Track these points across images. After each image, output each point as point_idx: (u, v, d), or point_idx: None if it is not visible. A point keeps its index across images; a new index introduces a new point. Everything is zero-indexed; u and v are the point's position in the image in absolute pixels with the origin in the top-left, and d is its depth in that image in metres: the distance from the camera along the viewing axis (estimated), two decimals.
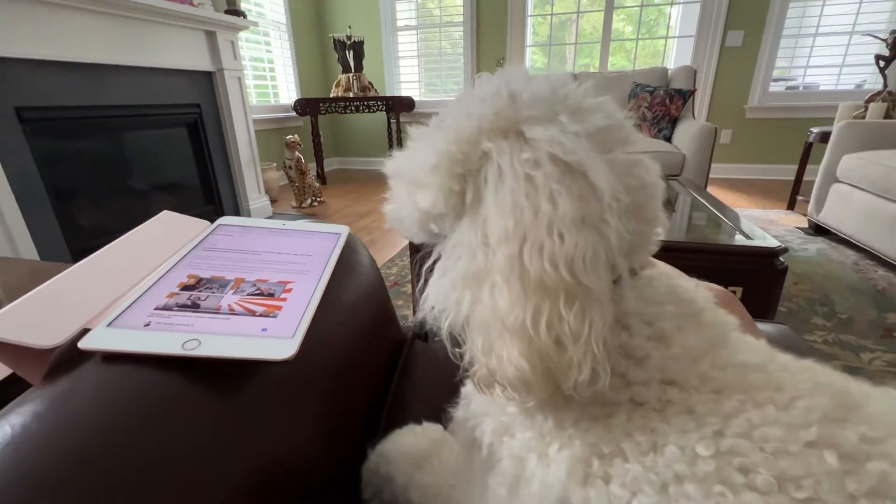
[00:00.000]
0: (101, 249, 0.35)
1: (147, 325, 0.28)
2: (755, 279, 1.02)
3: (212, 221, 0.43)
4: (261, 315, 0.30)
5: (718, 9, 3.16)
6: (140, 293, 0.31)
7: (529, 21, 3.66)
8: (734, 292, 1.04)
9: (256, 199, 2.68)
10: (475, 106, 0.26)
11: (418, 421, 0.42)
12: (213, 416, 0.27)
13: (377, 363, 0.45)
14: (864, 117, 2.19)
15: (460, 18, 3.76)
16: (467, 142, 0.26)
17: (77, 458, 0.22)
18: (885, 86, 2.27)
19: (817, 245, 2.01)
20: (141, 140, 2.08)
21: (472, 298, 0.25)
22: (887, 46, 2.27)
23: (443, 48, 3.99)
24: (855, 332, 1.30)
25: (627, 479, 0.21)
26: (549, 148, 0.23)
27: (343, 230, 0.43)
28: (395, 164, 0.30)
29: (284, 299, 0.32)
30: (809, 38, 3.10)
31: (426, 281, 0.30)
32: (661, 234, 0.27)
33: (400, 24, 3.99)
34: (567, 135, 0.23)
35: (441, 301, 0.27)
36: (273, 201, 3.01)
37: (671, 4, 3.47)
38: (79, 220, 1.81)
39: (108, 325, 0.28)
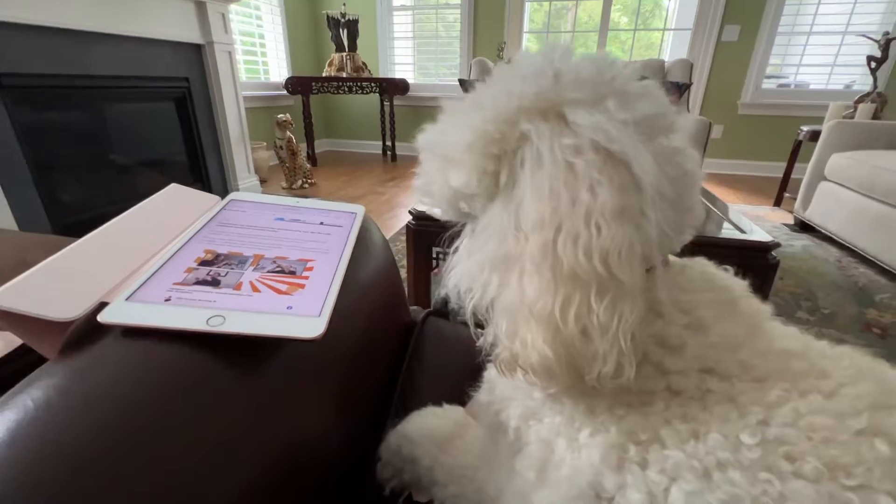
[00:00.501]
0: (111, 221, 0.34)
1: (167, 300, 0.27)
2: (748, 272, 1.04)
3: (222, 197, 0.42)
4: (284, 293, 0.30)
5: (717, 2, 3.16)
6: (156, 267, 0.30)
7: (527, 7, 3.61)
8: None
9: (246, 178, 2.63)
10: (516, 83, 0.25)
11: (430, 401, 0.41)
12: (235, 400, 0.26)
13: (389, 344, 0.45)
14: (853, 117, 2.23)
15: (458, 0, 3.69)
16: (506, 121, 0.25)
17: (102, 435, 0.21)
18: (875, 87, 2.31)
19: (802, 241, 2.06)
20: (126, 113, 2.00)
21: (500, 282, 0.25)
22: (879, 48, 2.30)
23: (438, 31, 3.92)
24: (837, 327, 1.34)
25: (667, 465, 0.21)
26: (592, 135, 0.23)
27: (359, 210, 0.42)
28: (427, 139, 0.29)
29: (306, 277, 0.31)
30: (803, 35, 3.13)
31: (450, 260, 0.30)
32: (698, 222, 0.27)
33: (396, 3, 3.90)
34: (613, 122, 0.23)
35: (467, 281, 0.27)
36: (262, 181, 2.95)
37: None
38: (61, 195, 1.74)
39: (126, 299, 0.27)
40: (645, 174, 0.22)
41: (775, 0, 3.04)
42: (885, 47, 2.29)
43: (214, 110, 2.40)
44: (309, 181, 2.94)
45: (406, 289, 1.32)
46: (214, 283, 0.29)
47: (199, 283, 0.29)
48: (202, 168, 2.38)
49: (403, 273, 1.65)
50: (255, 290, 0.29)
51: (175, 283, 0.29)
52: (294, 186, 2.89)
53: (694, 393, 0.22)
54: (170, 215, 0.37)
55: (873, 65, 2.34)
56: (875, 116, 2.19)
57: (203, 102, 2.33)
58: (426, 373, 0.45)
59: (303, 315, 0.28)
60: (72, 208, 1.78)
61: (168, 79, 2.13)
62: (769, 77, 3.31)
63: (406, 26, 3.98)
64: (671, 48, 3.51)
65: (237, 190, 2.52)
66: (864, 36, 2.48)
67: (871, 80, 2.36)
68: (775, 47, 3.20)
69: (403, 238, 1.25)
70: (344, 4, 3.59)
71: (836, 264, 1.81)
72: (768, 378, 0.22)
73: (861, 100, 2.26)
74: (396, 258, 1.81)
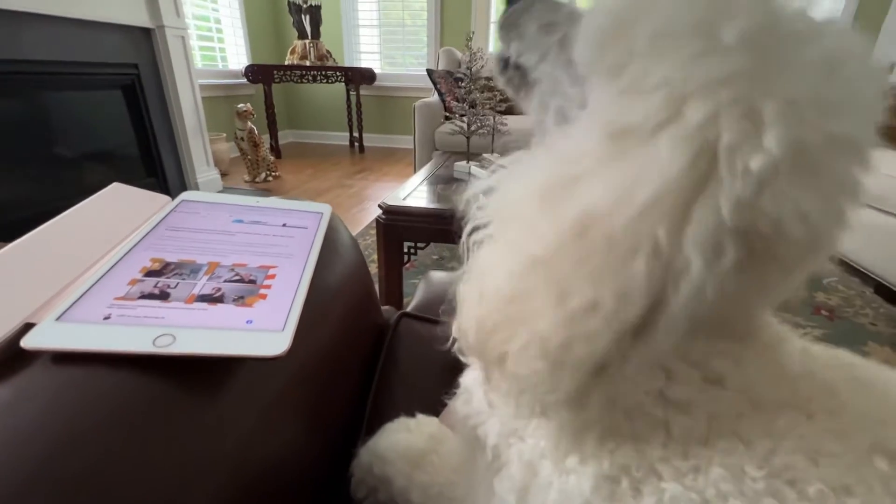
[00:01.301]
0: (41, 227, 0.30)
1: (107, 318, 0.24)
2: None
3: (172, 196, 0.38)
4: (243, 305, 0.27)
5: None
6: (94, 280, 0.26)
7: None
8: None
9: (205, 171, 2.50)
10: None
11: (406, 409, 0.40)
12: (191, 424, 0.23)
13: (361, 350, 0.43)
14: None
15: None
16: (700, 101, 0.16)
17: (33, 481, 0.18)
18: None
19: None
20: (69, 102, 1.85)
21: (492, 235, 0.23)
22: None
23: (404, 19, 3.84)
24: (791, 310, 1.41)
25: (664, 497, 0.19)
26: (689, 238, 0.16)
27: (325, 209, 0.40)
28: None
29: (269, 286, 0.29)
30: None
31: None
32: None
33: None
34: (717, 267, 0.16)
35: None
36: (223, 175, 2.82)
37: None
38: None
39: (57, 319, 0.23)
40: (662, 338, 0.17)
41: None
42: None
43: (168, 99, 2.26)
44: (273, 174, 2.84)
45: (377, 285, 1.30)
46: (163, 296, 0.26)
47: (144, 296, 0.26)
48: (157, 161, 2.24)
49: (374, 269, 1.61)
50: (211, 302, 0.27)
51: (116, 298, 0.26)
52: (257, 180, 2.78)
53: (696, 436, 0.20)
54: (112, 219, 0.34)
55: None
56: None
57: (154, 91, 2.19)
58: (401, 378, 0.44)
59: (264, 330, 0.25)
60: (9, 206, 1.64)
61: (115, 65, 1.98)
62: None
63: (371, 13, 3.87)
64: None
65: (196, 184, 2.41)
66: None
67: None
68: None
69: (373, 232, 1.22)
70: None
71: None
72: (777, 408, 0.20)
73: None
74: (366, 253, 1.78)
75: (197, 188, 2.43)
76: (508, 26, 0.28)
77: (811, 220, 0.16)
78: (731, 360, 0.21)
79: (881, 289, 1.52)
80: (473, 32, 1.68)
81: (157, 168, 2.25)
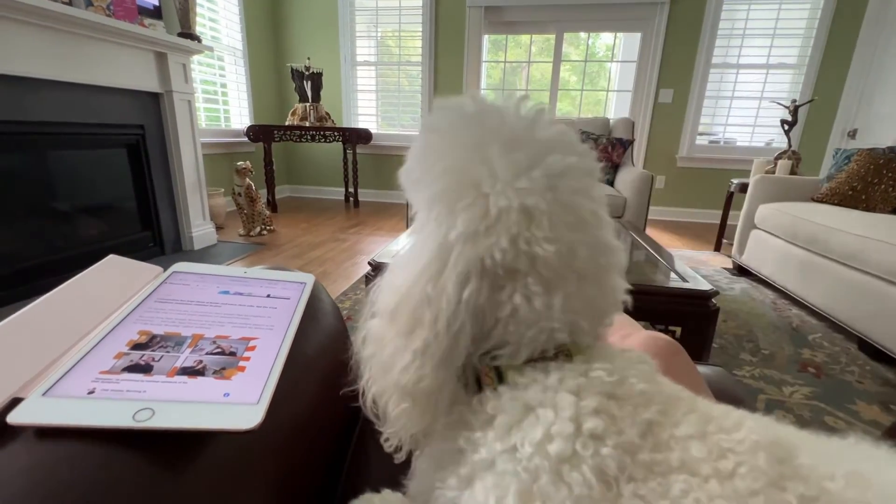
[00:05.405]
0: (35, 302, 0.32)
1: (91, 392, 0.26)
2: (691, 319, 1.10)
3: (165, 267, 0.40)
4: (222, 378, 0.29)
5: (651, 69, 3.52)
6: (82, 354, 0.28)
7: (484, 66, 3.87)
8: (674, 331, 1.11)
9: (200, 225, 2.54)
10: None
11: (381, 480, 0.40)
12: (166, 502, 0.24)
13: (337, 417, 0.43)
14: (773, 172, 2.49)
15: (419, 59, 3.90)
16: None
17: None
18: (790, 146, 2.60)
19: (741, 284, 2.21)
20: (73, 159, 1.92)
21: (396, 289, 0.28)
22: (789, 113, 2.62)
23: (401, 84, 4.10)
24: (776, 367, 1.42)
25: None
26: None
27: (308, 279, 0.42)
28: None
29: (248, 359, 0.31)
30: (727, 99, 3.52)
31: None
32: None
33: (359, 59, 4.07)
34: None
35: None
36: (219, 228, 2.87)
37: (611, 61, 3.83)
38: None
39: (43, 395, 0.25)
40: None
41: (701, 69, 3.43)
42: (794, 112, 2.60)
43: (170, 157, 2.35)
44: (268, 228, 2.89)
45: None
46: (146, 369, 0.28)
47: (128, 369, 0.28)
48: (153, 215, 2.29)
49: None
50: (192, 375, 0.28)
51: (102, 372, 0.27)
52: (252, 234, 2.82)
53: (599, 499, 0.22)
54: (105, 291, 0.36)
55: (786, 127, 2.65)
56: (792, 172, 2.45)
57: (158, 149, 2.29)
58: (377, 445, 0.44)
59: (240, 403, 0.27)
60: (4, 259, 1.65)
61: (121, 126, 2.08)
62: (702, 134, 3.66)
63: (370, 80, 4.14)
64: (616, 106, 3.83)
65: (191, 237, 2.43)
66: (775, 102, 2.82)
67: (786, 138, 2.67)
68: (705, 108, 3.57)
69: (364, 286, 1.23)
70: (308, 59, 3.71)
71: (772, 306, 1.95)
72: (672, 471, 0.21)
73: (780, 156, 2.54)
74: (357, 308, 1.78)
75: (191, 241, 2.46)
76: None
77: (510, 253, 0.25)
78: (608, 417, 0.24)
79: (864, 345, 1.54)
80: None
81: (153, 222, 2.29)
